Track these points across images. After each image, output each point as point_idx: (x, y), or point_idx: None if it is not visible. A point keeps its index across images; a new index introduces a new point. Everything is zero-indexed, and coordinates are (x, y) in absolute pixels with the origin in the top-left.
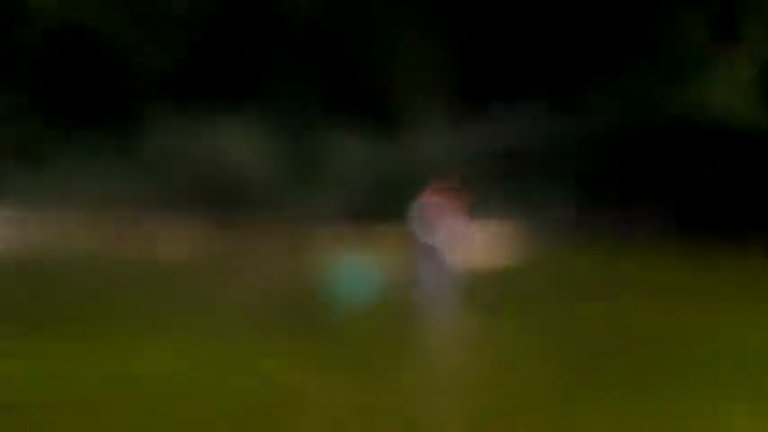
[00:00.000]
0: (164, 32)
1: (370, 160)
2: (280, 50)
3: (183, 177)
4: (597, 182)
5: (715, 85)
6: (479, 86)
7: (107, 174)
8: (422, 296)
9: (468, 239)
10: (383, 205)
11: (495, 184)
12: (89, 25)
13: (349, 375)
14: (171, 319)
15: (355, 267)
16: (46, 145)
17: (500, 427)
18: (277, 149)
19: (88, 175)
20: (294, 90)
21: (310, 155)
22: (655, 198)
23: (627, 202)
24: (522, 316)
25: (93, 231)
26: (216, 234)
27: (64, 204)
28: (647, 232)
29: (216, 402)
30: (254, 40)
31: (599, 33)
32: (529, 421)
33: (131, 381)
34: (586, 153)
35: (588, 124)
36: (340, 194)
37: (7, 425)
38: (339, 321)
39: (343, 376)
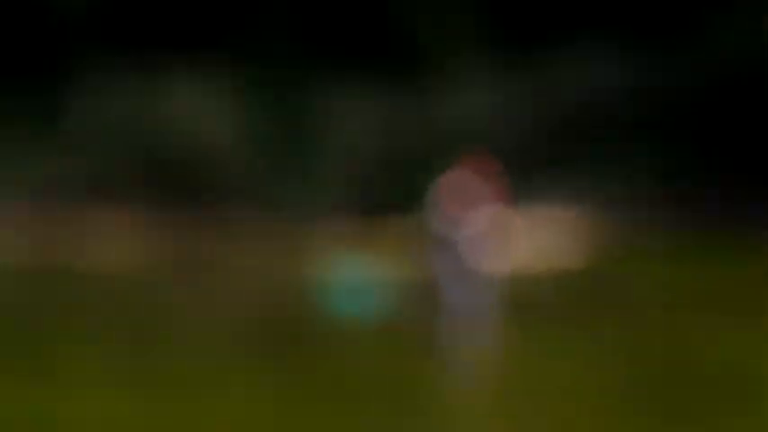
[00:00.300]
0: None
1: (379, 129)
2: None
3: (129, 157)
4: (688, 154)
5: None
6: (523, 27)
7: (28, 153)
8: (443, 309)
9: (508, 233)
10: (395, 190)
11: (548, 159)
12: None
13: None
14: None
15: (357, 275)
16: None
17: None
18: (252, 118)
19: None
20: (275, 36)
21: (298, 124)
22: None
23: (728, 184)
24: (581, 337)
25: (11, 232)
26: (173, 234)
27: None
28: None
29: None
30: None
31: None
32: None
33: None
34: (673, 115)
35: (674, 75)
36: (339, 177)
37: None
38: (328, 343)
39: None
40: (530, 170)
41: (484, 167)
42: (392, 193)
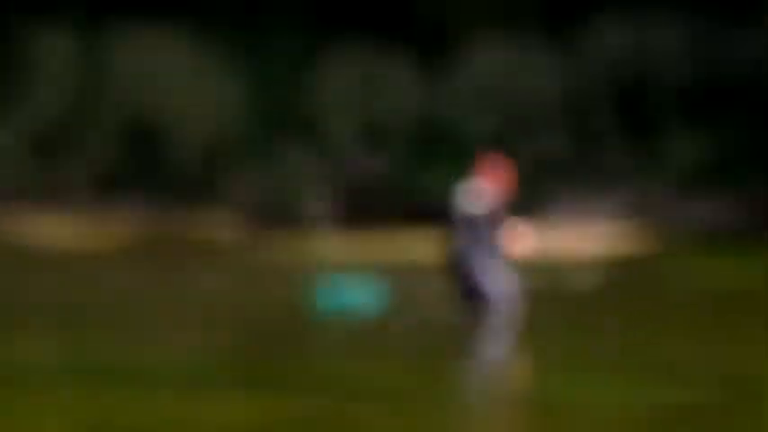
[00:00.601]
0: None
1: (394, 105)
2: None
3: (84, 126)
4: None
5: None
6: None
7: None
8: (458, 325)
9: (531, 238)
10: (409, 183)
11: (594, 145)
12: None
13: None
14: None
15: (354, 281)
16: None
17: None
18: (236, 87)
19: None
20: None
21: (290, 97)
22: None
23: None
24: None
25: None
26: (137, 224)
27: None
28: None
29: None
30: None
31: None
32: None
33: None
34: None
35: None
36: (339, 166)
37: None
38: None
39: None
40: (568, 149)
41: (501, 165)
42: (403, 187)
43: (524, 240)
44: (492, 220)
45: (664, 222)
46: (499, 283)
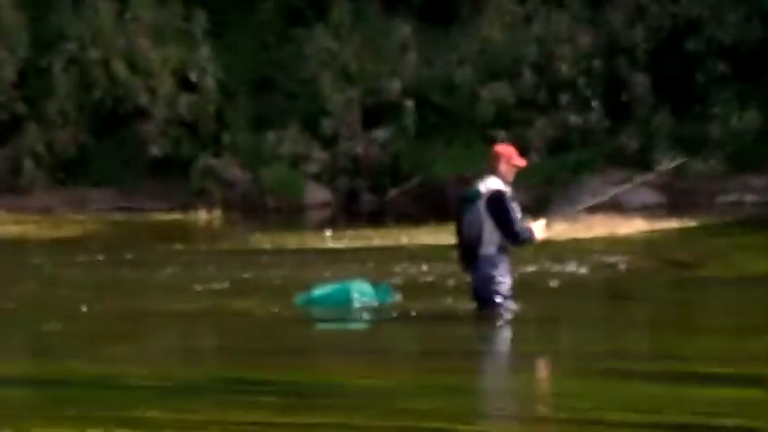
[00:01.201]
0: None
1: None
2: None
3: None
4: None
5: None
6: None
7: None
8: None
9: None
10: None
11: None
12: None
13: None
14: None
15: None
16: None
17: None
18: (221, 54)
19: None
20: None
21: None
22: None
23: None
24: None
25: None
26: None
27: None
28: None
29: None
30: None
31: None
32: None
33: None
34: None
35: None
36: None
37: None
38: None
39: None
40: (598, 121)
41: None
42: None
43: (538, 229)
44: (500, 208)
45: (707, 201)
46: (505, 281)
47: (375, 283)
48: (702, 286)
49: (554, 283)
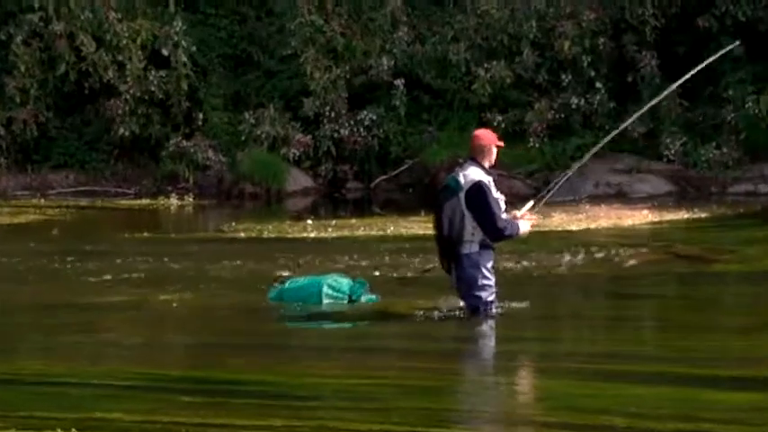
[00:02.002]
0: None
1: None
2: None
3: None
4: None
5: None
6: None
7: None
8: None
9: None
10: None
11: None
12: None
13: None
14: None
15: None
16: None
17: None
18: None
19: None
20: None
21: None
22: None
23: None
24: None
25: None
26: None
27: None
28: None
29: None
30: None
31: None
32: None
33: None
34: None
35: None
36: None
37: None
38: None
39: None
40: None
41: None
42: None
43: (523, 224)
44: (481, 203)
45: (718, 191)
46: (490, 282)
47: (351, 278)
48: (713, 282)
49: (553, 278)
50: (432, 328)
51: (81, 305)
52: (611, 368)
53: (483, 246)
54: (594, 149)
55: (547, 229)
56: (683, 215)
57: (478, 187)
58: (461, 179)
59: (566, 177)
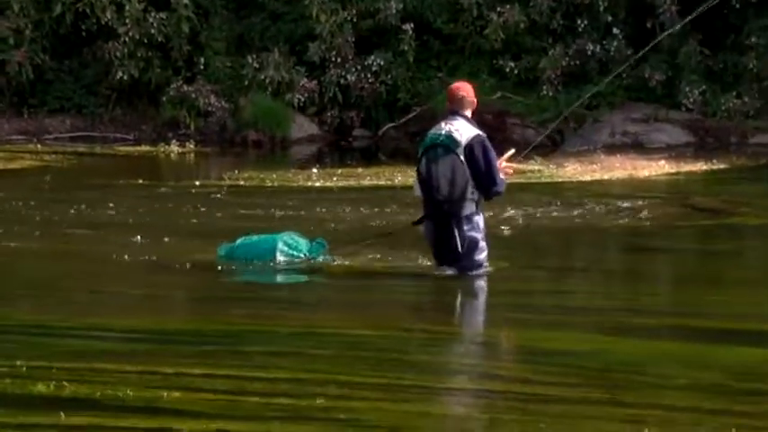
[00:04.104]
0: None
1: None
2: None
3: None
4: None
5: None
6: None
7: None
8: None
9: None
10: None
11: None
12: None
13: None
14: None
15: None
16: None
17: None
18: None
19: None
20: None
21: None
22: None
23: None
24: None
25: None
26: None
27: None
28: None
29: None
30: None
31: None
32: None
33: None
34: None
35: None
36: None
37: None
38: None
39: None
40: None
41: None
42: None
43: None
44: (484, 155)
45: (738, 141)
46: (485, 245)
47: (308, 238)
48: (732, 235)
49: (566, 231)
50: (439, 284)
51: (72, 254)
52: (625, 321)
53: (477, 205)
54: (577, 103)
55: (560, 179)
56: (700, 166)
57: (480, 141)
58: (455, 135)
59: (547, 132)
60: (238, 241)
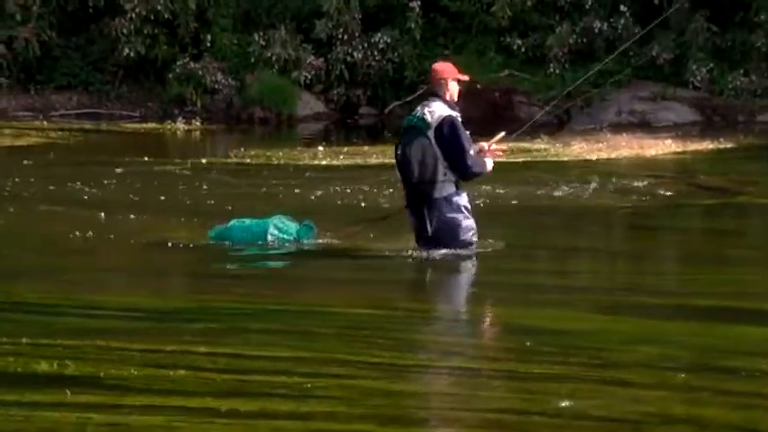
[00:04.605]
0: None
1: None
2: None
3: None
4: None
5: None
6: None
7: None
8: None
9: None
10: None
11: None
12: None
13: None
14: None
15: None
16: None
17: None
18: None
19: None
20: None
21: None
22: None
23: None
24: None
25: None
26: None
27: None
28: None
29: None
30: None
31: None
32: None
33: None
34: None
35: None
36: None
37: None
38: None
39: None
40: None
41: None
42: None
43: (489, 162)
44: (452, 136)
45: (746, 120)
46: (471, 223)
47: (298, 221)
48: (738, 214)
49: (570, 209)
50: (437, 263)
51: (70, 232)
52: (631, 300)
53: (458, 186)
54: (580, 81)
55: (566, 158)
56: (707, 145)
57: (450, 122)
58: (428, 117)
59: (544, 111)
60: (230, 224)
